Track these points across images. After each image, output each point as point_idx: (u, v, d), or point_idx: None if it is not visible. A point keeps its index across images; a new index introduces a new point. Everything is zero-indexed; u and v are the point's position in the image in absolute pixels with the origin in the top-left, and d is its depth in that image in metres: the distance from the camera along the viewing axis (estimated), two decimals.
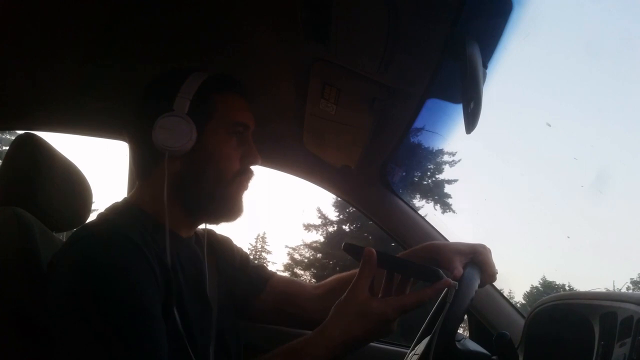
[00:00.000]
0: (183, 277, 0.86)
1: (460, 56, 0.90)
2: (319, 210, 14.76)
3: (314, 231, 14.89)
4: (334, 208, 14.52)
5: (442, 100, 1.20)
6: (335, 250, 13.52)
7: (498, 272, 0.97)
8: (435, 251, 1.01)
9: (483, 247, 0.97)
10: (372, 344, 1.01)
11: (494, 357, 1.03)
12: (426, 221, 1.60)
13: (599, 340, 0.82)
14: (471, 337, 1.52)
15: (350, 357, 0.78)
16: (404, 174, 1.67)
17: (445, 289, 0.78)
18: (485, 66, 0.97)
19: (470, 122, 0.97)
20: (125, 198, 0.95)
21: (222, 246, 1.09)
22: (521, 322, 1.37)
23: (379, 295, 0.81)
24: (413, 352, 0.99)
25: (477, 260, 0.94)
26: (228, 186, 0.91)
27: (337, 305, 0.77)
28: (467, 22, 0.89)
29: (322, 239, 14.87)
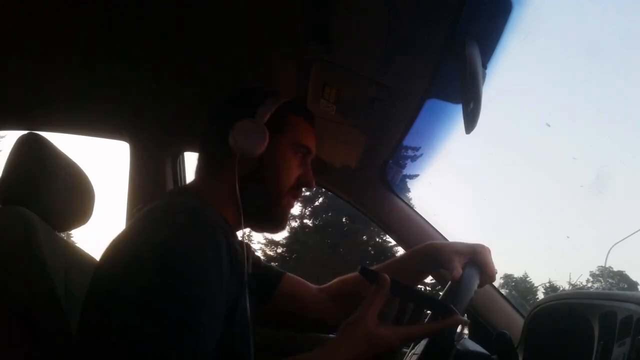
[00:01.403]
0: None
1: (460, 56, 0.90)
2: None
3: None
4: (297, 203, 14.15)
5: (442, 101, 1.20)
6: (297, 245, 13.45)
7: (497, 272, 0.98)
8: (435, 251, 1.01)
9: (483, 247, 0.98)
10: None
11: (493, 357, 1.04)
12: (426, 221, 1.60)
13: (599, 339, 0.82)
14: (471, 336, 1.52)
15: None
16: (404, 173, 1.66)
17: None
18: (484, 66, 0.98)
19: (470, 122, 0.97)
20: (185, 187, 0.97)
21: None
22: (521, 321, 1.37)
23: (391, 322, 0.81)
24: (413, 351, 0.99)
25: (476, 260, 0.95)
26: (282, 198, 0.95)
27: (344, 325, 0.78)
28: (467, 22, 0.89)
29: (285, 233, 14.45)
